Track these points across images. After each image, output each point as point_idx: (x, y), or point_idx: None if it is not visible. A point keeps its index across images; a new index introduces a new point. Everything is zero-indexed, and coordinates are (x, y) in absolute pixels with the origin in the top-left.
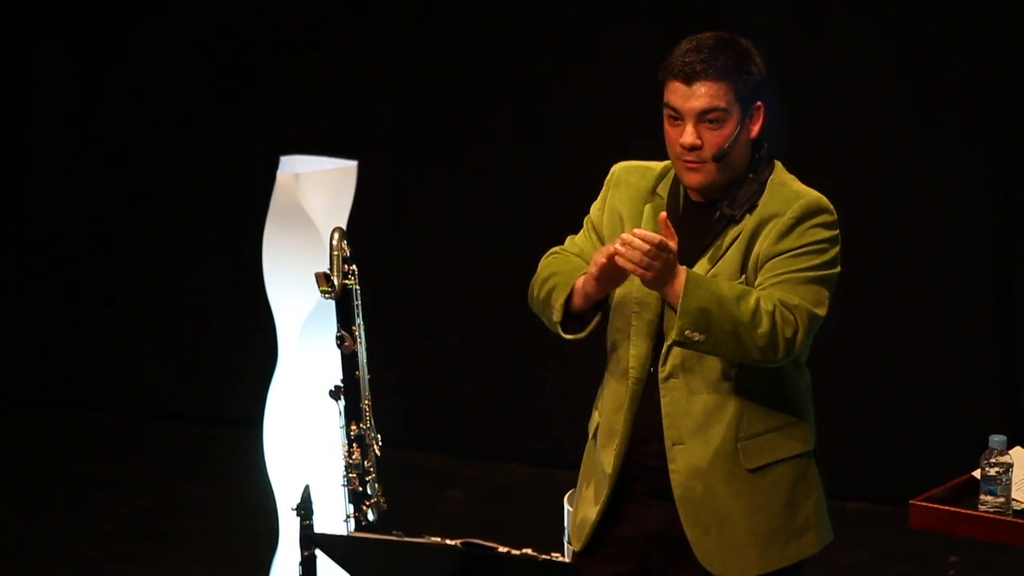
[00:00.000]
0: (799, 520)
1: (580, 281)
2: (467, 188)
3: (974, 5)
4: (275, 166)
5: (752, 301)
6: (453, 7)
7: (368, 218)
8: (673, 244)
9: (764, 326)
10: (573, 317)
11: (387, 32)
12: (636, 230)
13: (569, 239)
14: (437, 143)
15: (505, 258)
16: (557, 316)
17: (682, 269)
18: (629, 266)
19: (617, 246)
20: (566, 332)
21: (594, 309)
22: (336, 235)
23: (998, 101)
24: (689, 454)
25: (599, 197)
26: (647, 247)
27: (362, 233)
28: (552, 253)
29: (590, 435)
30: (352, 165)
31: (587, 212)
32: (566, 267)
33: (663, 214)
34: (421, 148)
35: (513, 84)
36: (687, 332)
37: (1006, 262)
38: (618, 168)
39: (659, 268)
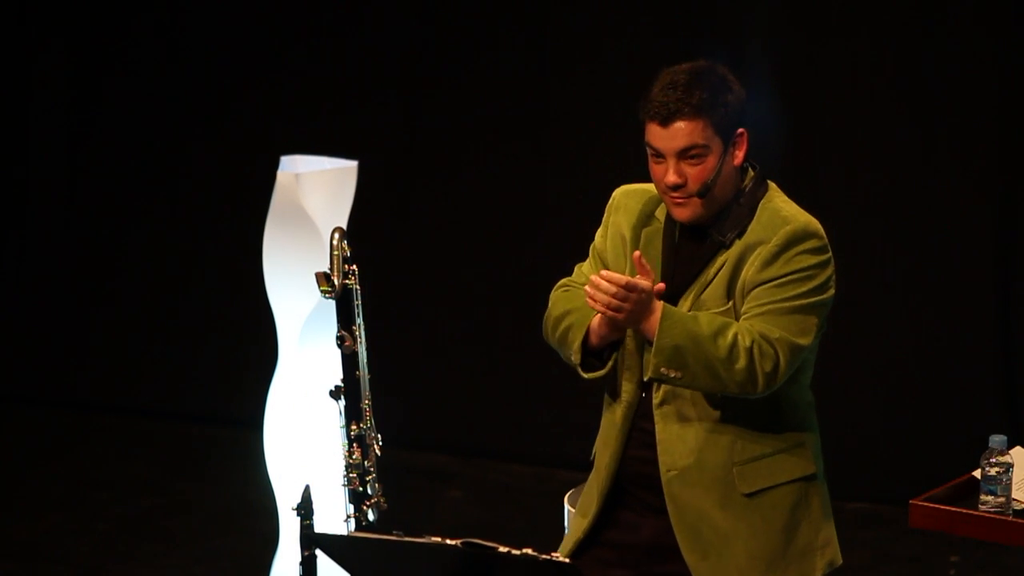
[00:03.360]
0: (800, 543)
1: (595, 321)
2: (467, 188)
3: (969, 6)
4: (275, 166)
5: (730, 337)
6: (454, 7)
7: (368, 218)
8: (646, 283)
9: (741, 362)
10: (591, 355)
11: (388, 32)
12: (603, 272)
13: (577, 268)
14: (437, 143)
15: (505, 258)
16: (577, 358)
17: (659, 305)
18: (598, 307)
19: (586, 288)
20: (586, 371)
21: (611, 347)
22: (336, 235)
23: (997, 99)
24: (683, 479)
25: (602, 224)
26: (614, 289)
27: (362, 233)
28: (562, 286)
29: (590, 458)
30: (352, 165)
31: (588, 213)
32: (578, 304)
33: (636, 252)
34: (421, 148)
35: (514, 84)
36: (662, 369)
37: (1006, 262)
38: (618, 193)
39: (629, 309)
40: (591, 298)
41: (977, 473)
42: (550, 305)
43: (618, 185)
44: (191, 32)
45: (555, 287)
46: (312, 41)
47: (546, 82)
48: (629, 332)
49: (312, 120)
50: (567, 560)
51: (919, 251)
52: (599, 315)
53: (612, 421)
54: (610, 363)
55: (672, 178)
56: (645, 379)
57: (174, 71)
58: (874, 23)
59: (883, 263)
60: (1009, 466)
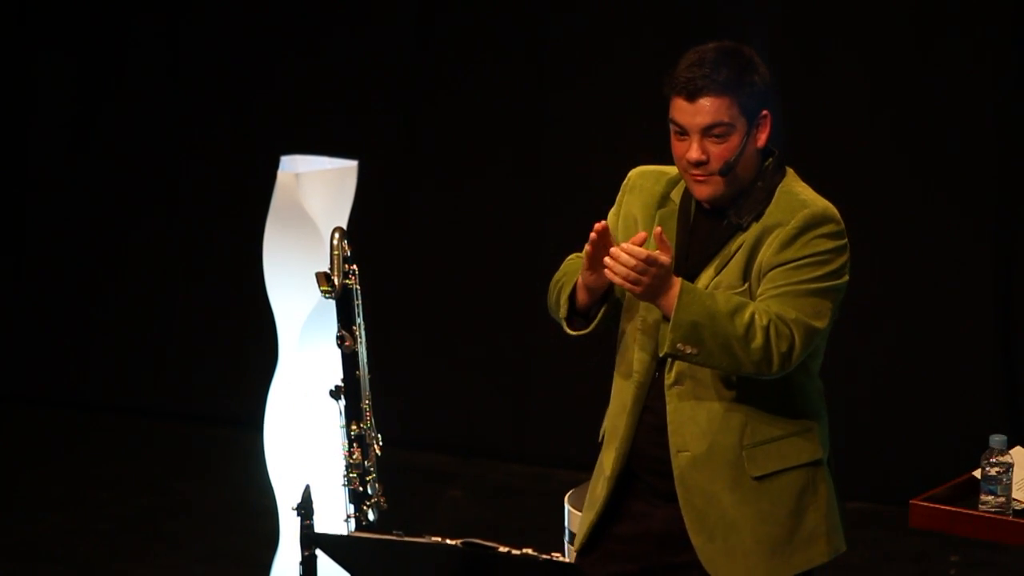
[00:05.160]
0: (807, 529)
1: (581, 278)
2: (467, 188)
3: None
4: (275, 166)
5: (747, 316)
6: (454, 9)
7: (368, 218)
8: (666, 259)
9: (758, 341)
10: (579, 314)
11: (388, 32)
12: (624, 244)
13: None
14: (437, 143)
15: (505, 257)
16: (563, 312)
17: (677, 281)
18: (617, 279)
19: (606, 259)
20: (571, 328)
21: (598, 304)
22: (336, 235)
23: (998, 97)
24: (693, 461)
25: (615, 203)
26: (634, 262)
27: (362, 233)
28: (569, 259)
29: (600, 438)
30: (352, 165)
31: (588, 210)
32: (575, 267)
33: (658, 228)
34: (421, 148)
35: (514, 84)
36: (679, 345)
37: (1006, 261)
38: (634, 173)
39: (648, 283)
40: (610, 269)
41: (977, 473)
42: (554, 276)
43: (617, 185)
44: (192, 32)
45: (566, 259)
46: (312, 42)
47: (545, 83)
48: (645, 309)
49: (312, 120)
50: (567, 560)
51: (919, 251)
52: (584, 272)
53: (623, 402)
54: (595, 322)
55: (695, 154)
56: (661, 354)
57: (174, 71)
58: (874, 27)
59: (883, 262)
60: (1009, 466)
